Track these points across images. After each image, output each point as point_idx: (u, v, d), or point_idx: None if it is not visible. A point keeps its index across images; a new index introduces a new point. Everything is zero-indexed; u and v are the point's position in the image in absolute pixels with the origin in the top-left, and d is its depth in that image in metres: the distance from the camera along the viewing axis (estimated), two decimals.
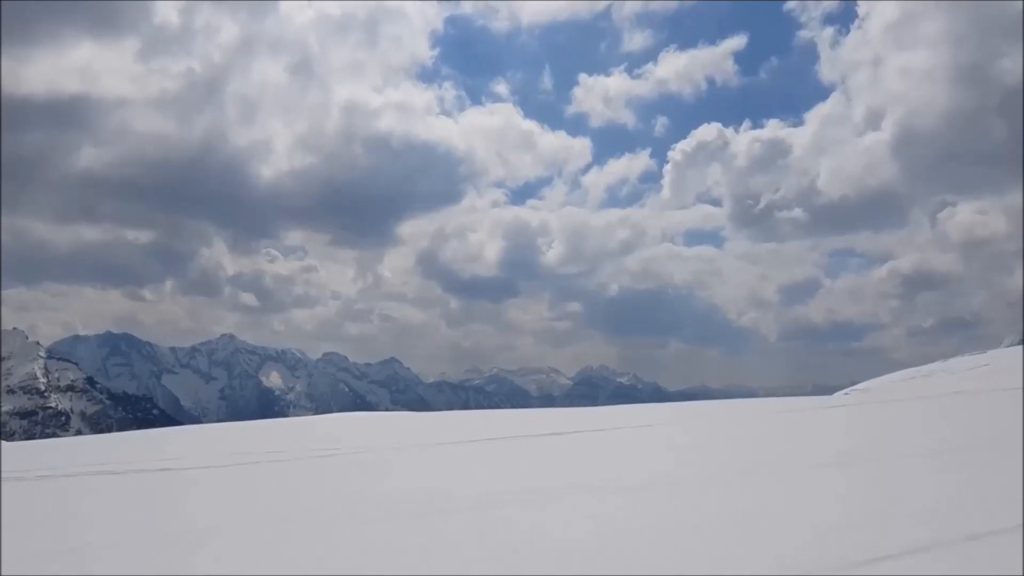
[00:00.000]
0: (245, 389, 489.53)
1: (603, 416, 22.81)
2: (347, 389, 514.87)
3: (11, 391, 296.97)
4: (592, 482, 9.45)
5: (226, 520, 8.32)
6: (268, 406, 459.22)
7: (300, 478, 12.18)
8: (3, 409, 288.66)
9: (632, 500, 7.96)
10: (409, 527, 7.16)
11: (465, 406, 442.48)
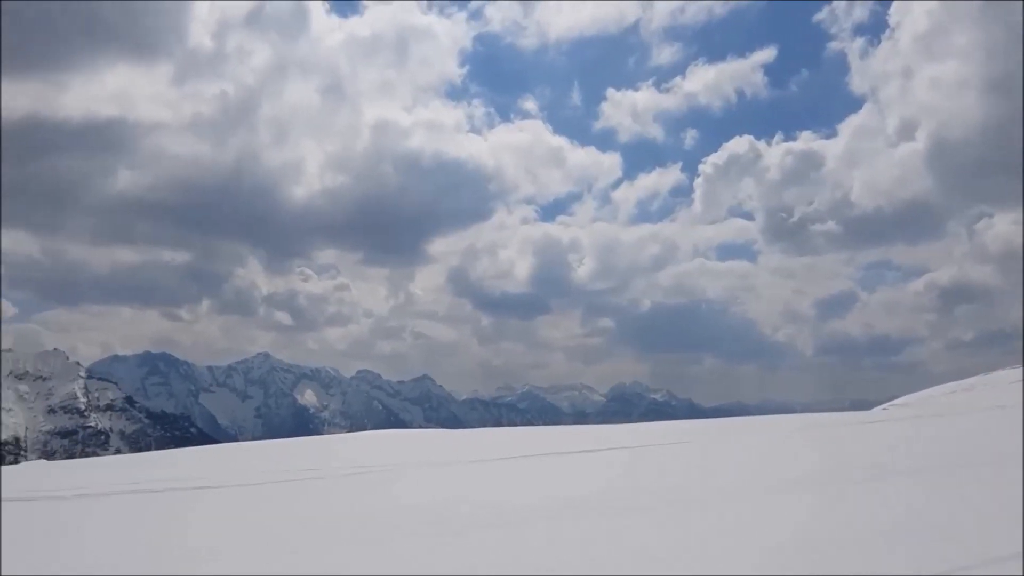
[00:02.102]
0: (280, 407, 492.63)
1: (637, 433, 22.69)
2: (381, 407, 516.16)
3: (52, 411, 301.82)
4: (626, 498, 9.40)
5: (263, 538, 8.40)
6: (303, 424, 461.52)
7: (336, 495, 12.26)
8: (44, 429, 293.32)
9: (667, 517, 7.91)
10: (444, 543, 7.18)
11: (498, 423, 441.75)
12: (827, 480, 10.06)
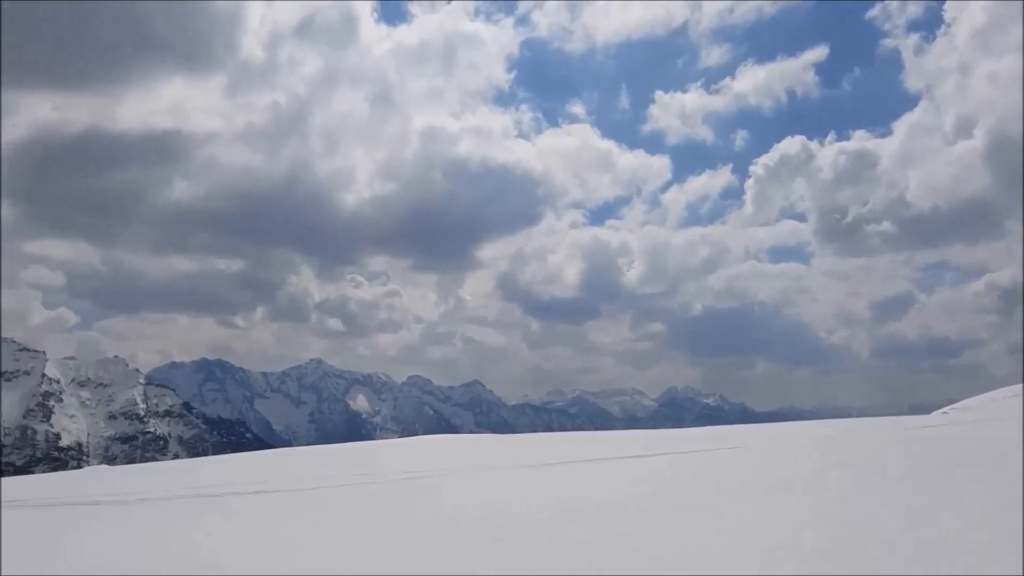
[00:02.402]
0: (333, 413, 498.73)
1: (689, 437, 22.48)
2: (432, 412, 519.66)
3: (113, 417, 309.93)
4: (677, 503, 9.32)
5: (317, 542, 8.51)
6: (356, 429, 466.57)
7: (389, 500, 12.37)
8: (106, 434, 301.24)
9: (719, 521, 7.82)
10: (497, 548, 7.21)
11: (548, 428, 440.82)
12: (887, 485, 9.85)
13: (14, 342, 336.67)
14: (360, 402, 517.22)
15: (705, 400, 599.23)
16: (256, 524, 10.43)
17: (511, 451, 21.38)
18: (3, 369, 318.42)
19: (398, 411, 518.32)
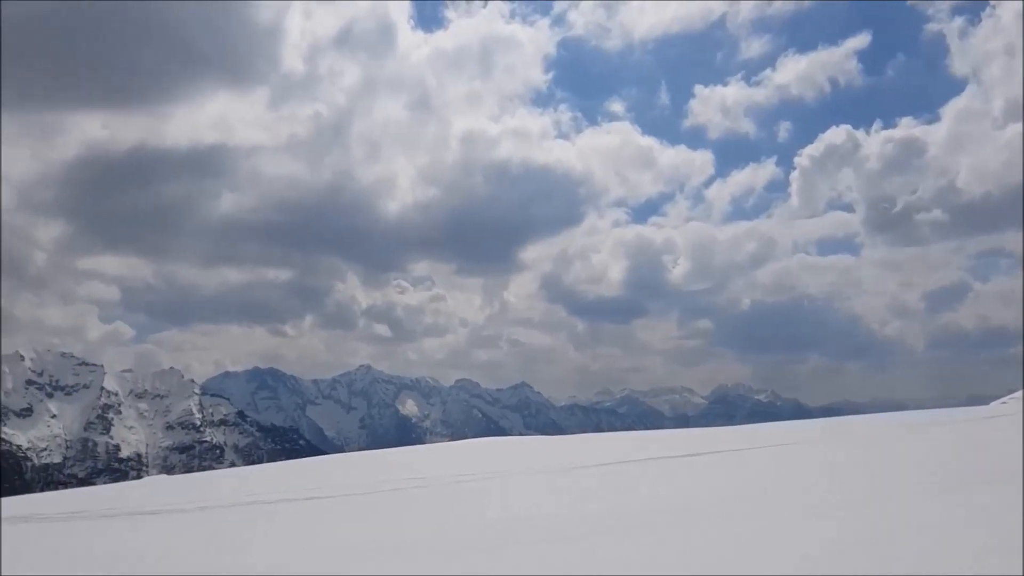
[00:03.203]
0: (383, 417, 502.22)
1: (742, 435, 22.22)
2: (480, 415, 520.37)
3: (170, 427, 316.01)
4: (736, 503, 9.22)
5: (374, 547, 8.59)
6: (406, 433, 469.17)
7: (442, 503, 12.43)
8: (163, 444, 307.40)
9: (778, 522, 7.72)
10: (554, 550, 7.20)
11: (598, 429, 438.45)
12: (952, 482, 9.64)
13: (73, 356, 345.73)
14: (409, 407, 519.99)
15: (757, 397, 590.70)
16: (313, 530, 10.56)
17: (562, 453, 21.35)
18: (63, 383, 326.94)
19: (447, 415, 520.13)
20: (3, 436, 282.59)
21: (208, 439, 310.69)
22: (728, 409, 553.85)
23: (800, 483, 10.87)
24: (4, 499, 23.62)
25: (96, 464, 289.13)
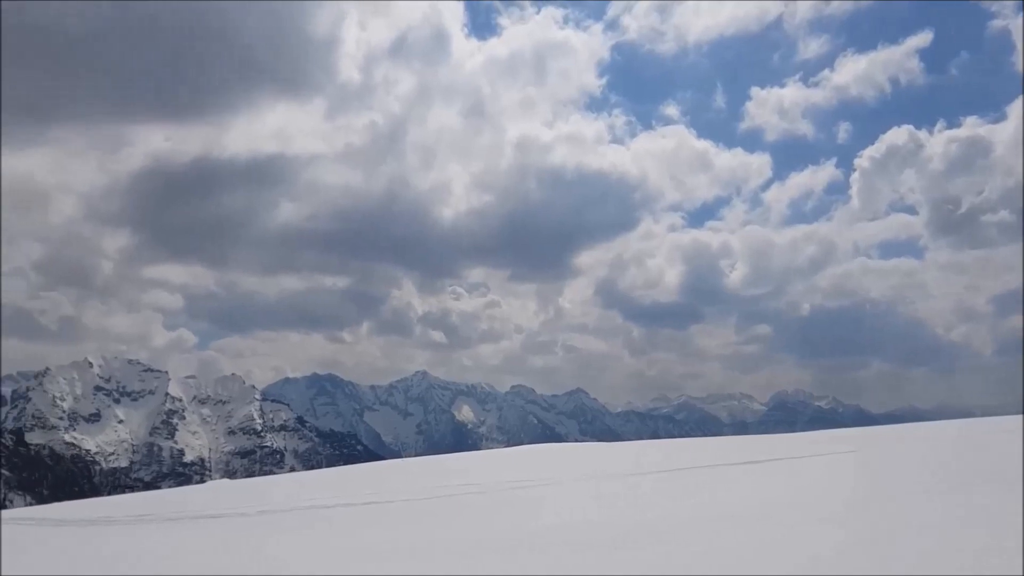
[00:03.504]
0: (440, 423, 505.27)
1: (802, 442, 21.76)
2: (536, 421, 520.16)
3: (232, 432, 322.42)
4: (796, 511, 9.03)
5: (434, 553, 8.62)
6: (462, 439, 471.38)
7: (500, 509, 12.43)
8: (226, 449, 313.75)
9: (839, 530, 7.53)
10: (612, 557, 7.13)
11: (654, 435, 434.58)
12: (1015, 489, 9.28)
13: (139, 363, 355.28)
14: (465, 412, 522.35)
15: (817, 403, 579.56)
16: (370, 534, 10.64)
17: (619, 459, 21.18)
18: (130, 389, 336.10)
19: (503, 421, 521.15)
20: (73, 441, 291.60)
21: (269, 444, 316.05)
22: (788, 416, 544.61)
23: (863, 491, 10.60)
24: (74, 502, 24.33)
25: (161, 468, 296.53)
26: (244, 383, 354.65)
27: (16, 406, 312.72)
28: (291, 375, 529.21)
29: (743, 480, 13.70)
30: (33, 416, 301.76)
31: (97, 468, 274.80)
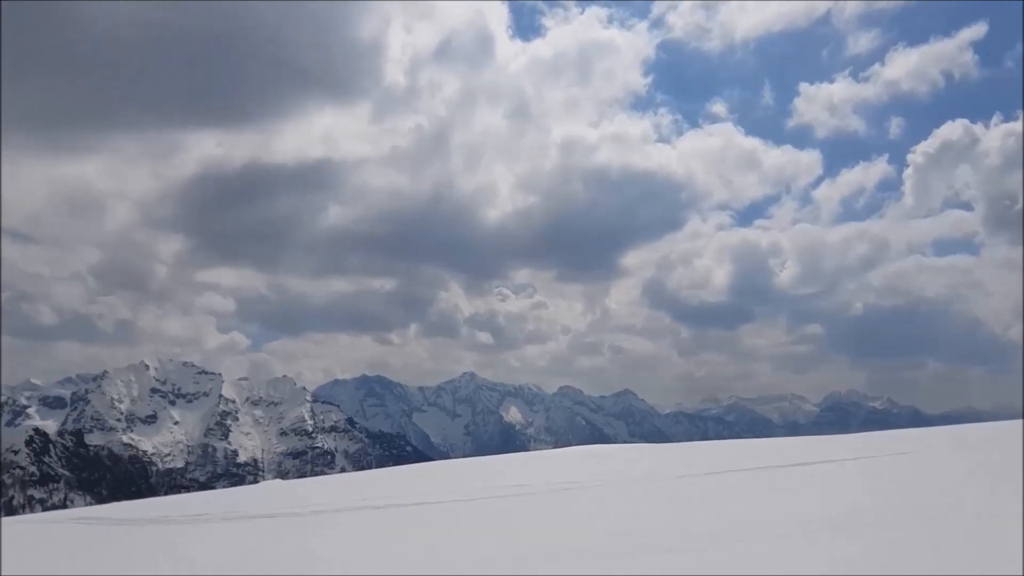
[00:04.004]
0: (488, 424, 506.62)
1: (856, 444, 21.34)
2: (584, 422, 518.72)
3: (284, 433, 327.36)
4: (853, 514, 8.86)
5: (482, 553, 8.65)
6: (510, 440, 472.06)
7: (549, 510, 12.42)
8: (278, 450, 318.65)
9: (900, 535, 7.38)
10: (662, 561, 7.09)
11: (704, 437, 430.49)
12: None
13: (193, 365, 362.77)
14: (513, 414, 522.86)
15: (871, 404, 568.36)
16: (421, 534, 10.72)
17: (669, 460, 21.02)
18: (185, 391, 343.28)
19: (551, 422, 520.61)
20: (131, 442, 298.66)
21: (320, 445, 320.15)
22: (841, 417, 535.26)
23: (922, 493, 10.36)
24: (132, 502, 24.92)
25: (216, 469, 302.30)
26: (295, 385, 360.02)
27: (76, 408, 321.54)
28: (341, 377, 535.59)
29: (796, 482, 13.50)
30: (92, 418, 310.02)
31: (154, 468, 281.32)
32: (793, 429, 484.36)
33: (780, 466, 15.90)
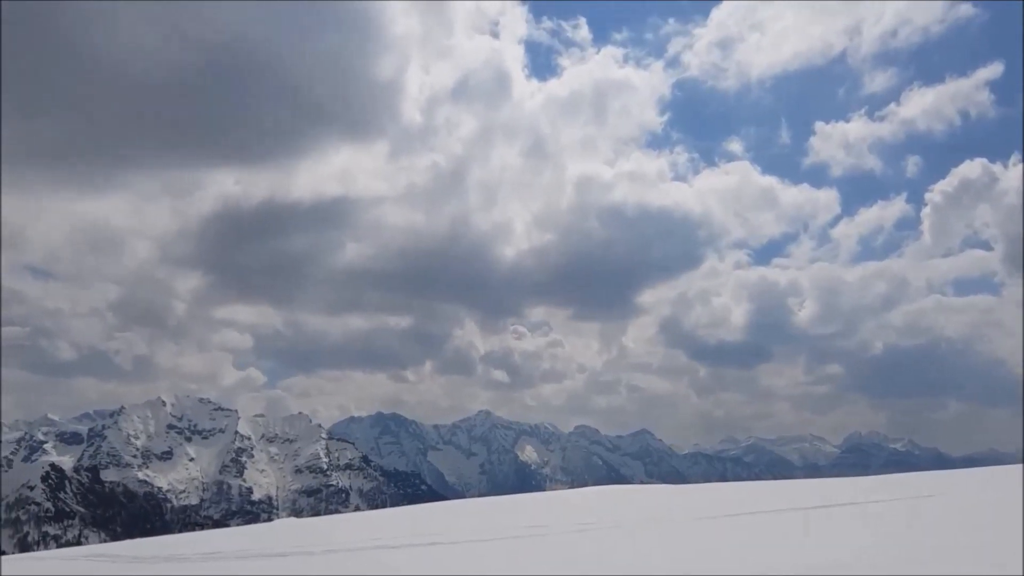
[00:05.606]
0: (503, 463, 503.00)
1: (878, 486, 21.01)
2: (600, 462, 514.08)
3: (299, 471, 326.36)
4: (877, 559, 8.67)
5: None
6: (526, 480, 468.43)
7: (565, 551, 12.24)
8: (293, 487, 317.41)
9: None
10: None
11: (723, 478, 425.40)
12: None
13: (210, 402, 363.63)
14: (528, 452, 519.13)
15: (893, 445, 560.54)
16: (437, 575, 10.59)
17: (686, 502, 20.74)
18: (201, 428, 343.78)
19: (567, 461, 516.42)
20: (146, 478, 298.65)
21: (334, 483, 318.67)
22: (862, 458, 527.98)
23: (948, 538, 10.13)
24: (146, 539, 24.82)
25: (230, 506, 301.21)
26: (310, 421, 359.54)
27: (92, 444, 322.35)
28: (356, 414, 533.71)
29: (819, 525, 13.24)
30: (108, 454, 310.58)
31: (168, 505, 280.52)
32: (813, 471, 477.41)
33: (801, 508, 15.63)
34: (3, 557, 17.74)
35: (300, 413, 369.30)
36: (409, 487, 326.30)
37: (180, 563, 14.82)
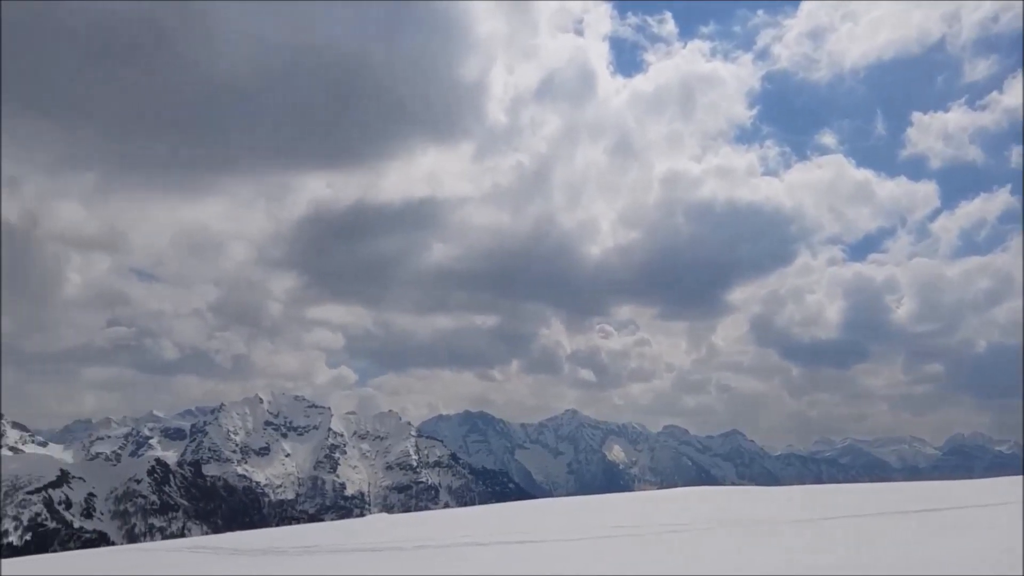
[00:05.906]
0: (591, 463, 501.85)
1: (983, 489, 20.09)
2: (690, 462, 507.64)
3: (389, 467, 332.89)
4: (982, 566, 8.30)
5: None
6: (613, 480, 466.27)
7: (657, 552, 12.14)
8: (384, 484, 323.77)
9: None
10: None
11: (818, 480, 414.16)
12: None
13: (304, 400, 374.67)
14: (616, 452, 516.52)
15: (998, 447, 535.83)
16: (528, 573, 10.63)
17: (779, 504, 20.26)
18: (296, 424, 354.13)
19: (655, 462, 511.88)
20: (245, 473, 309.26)
21: (424, 480, 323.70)
22: (965, 461, 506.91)
23: None
24: (245, 532, 25.70)
25: (324, 501, 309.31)
26: (400, 419, 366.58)
27: (195, 439, 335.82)
28: (444, 412, 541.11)
29: (919, 530, 12.76)
30: (209, 449, 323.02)
31: (266, 500, 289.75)
32: (913, 473, 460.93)
33: (901, 512, 15.09)
34: (4, 560, 18.34)
35: (390, 411, 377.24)
36: (497, 485, 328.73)
37: (278, 556, 15.30)
